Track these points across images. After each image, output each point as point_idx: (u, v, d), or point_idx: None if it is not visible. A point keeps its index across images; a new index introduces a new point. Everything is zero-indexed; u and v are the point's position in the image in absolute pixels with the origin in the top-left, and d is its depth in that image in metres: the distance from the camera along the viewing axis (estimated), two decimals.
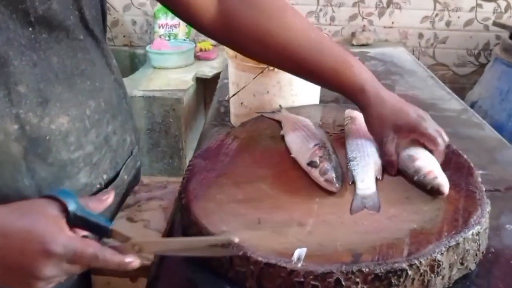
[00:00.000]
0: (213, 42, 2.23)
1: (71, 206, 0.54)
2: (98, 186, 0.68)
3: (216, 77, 1.77)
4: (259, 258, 0.56)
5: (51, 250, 0.49)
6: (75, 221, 0.54)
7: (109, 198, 0.59)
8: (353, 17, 2.27)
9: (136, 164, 0.80)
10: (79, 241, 0.52)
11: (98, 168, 0.68)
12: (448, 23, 2.26)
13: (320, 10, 2.26)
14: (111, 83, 0.69)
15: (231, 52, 1.06)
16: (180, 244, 0.56)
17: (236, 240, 0.52)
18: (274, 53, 0.73)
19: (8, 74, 0.54)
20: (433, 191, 0.67)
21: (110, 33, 2.33)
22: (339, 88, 0.75)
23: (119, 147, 0.72)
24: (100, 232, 0.56)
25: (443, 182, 0.67)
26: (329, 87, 0.78)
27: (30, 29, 0.56)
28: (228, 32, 0.73)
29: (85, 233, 0.56)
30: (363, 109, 0.76)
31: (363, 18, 2.27)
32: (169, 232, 0.72)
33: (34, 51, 0.57)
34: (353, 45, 2.12)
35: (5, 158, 0.56)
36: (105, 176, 0.69)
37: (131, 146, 0.77)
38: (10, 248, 0.50)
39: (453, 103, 1.33)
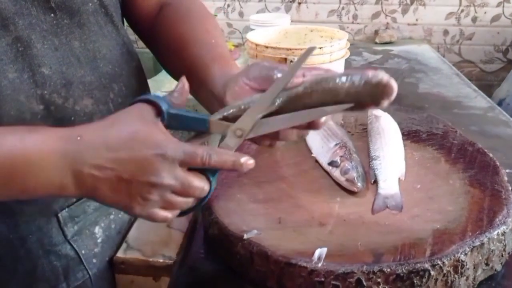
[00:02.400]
0: (235, 42, 2.24)
1: (164, 106, 0.51)
2: None
3: None
4: (280, 258, 0.56)
5: (164, 153, 0.47)
6: (169, 121, 0.51)
7: (184, 85, 0.54)
8: (376, 15, 2.25)
9: None
10: (187, 144, 0.50)
11: None
12: (474, 19, 2.21)
13: (343, 8, 2.24)
14: (132, 69, 0.70)
15: (252, 52, 1.06)
16: (282, 121, 0.52)
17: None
18: (173, 50, 0.71)
19: (32, 56, 0.56)
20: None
21: (134, 35, 2.37)
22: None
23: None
24: (197, 126, 0.52)
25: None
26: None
27: (52, 15, 0.58)
28: (153, 30, 0.75)
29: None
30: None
31: (386, 15, 2.24)
32: (190, 232, 0.73)
33: (55, 36, 0.59)
34: (376, 43, 2.10)
35: None
36: None
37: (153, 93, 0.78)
38: (120, 159, 0.47)
39: (479, 100, 1.30)
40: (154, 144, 0.48)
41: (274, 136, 0.56)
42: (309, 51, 0.54)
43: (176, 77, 0.74)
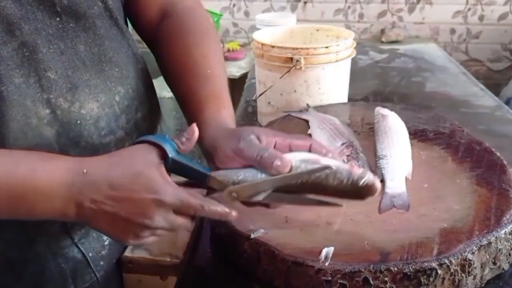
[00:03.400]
0: (240, 42, 2.25)
1: (170, 152, 0.54)
2: None
3: (244, 77, 1.78)
4: (287, 257, 0.56)
5: (161, 199, 0.51)
6: (172, 166, 0.55)
7: (194, 133, 0.57)
8: (382, 14, 2.24)
9: None
10: (185, 192, 0.53)
11: None
12: (481, 18, 2.20)
13: (349, 7, 2.24)
14: (138, 71, 0.70)
15: (257, 51, 1.06)
16: (273, 182, 0.55)
17: (333, 165, 0.54)
18: (174, 70, 0.72)
19: (38, 61, 0.57)
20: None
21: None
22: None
23: (150, 134, 0.73)
24: (197, 177, 0.56)
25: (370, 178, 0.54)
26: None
27: (58, 19, 0.59)
28: (154, 41, 0.75)
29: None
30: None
31: (392, 14, 2.24)
32: (197, 231, 0.73)
33: (61, 40, 0.59)
34: (382, 42, 2.09)
35: (39, 141, 0.58)
36: None
37: (162, 134, 0.78)
38: (120, 198, 0.51)
39: (486, 99, 1.30)
40: (153, 189, 0.51)
41: None
42: (322, 168, 0.55)
43: (175, 95, 0.74)
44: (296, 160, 0.55)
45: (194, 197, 0.53)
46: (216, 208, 0.54)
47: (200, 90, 0.68)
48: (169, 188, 0.52)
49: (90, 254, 0.66)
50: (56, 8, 0.58)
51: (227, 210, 0.54)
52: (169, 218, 0.53)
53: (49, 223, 0.62)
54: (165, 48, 0.73)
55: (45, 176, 0.52)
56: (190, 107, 0.68)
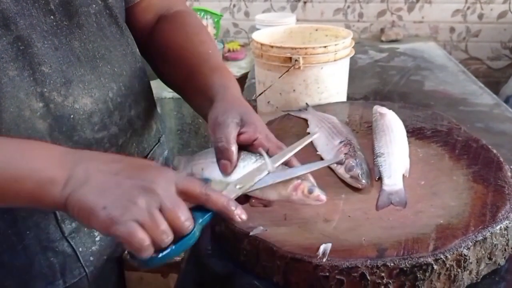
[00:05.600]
0: (241, 42, 2.25)
1: None
2: None
3: (244, 77, 1.79)
4: (285, 253, 0.57)
5: (165, 170, 0.51)
6: None
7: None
8: (381, 13, 2.25)
9: (163, 152, 0.82)
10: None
11: (125, 151, 0.69)
12: (480, 16, 2.20)
13: (348, 7, 2.25)
14: (134, 70, 0.71)
15: (257, 51, 1.07)
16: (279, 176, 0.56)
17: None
18: (173, 62, 0.75)
19: (32, 55, 0.58)
20: None
21: None
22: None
23: (145, 132, 0.74)
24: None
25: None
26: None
27: (52, 17, 0.60)
28: (150, 41, 0.77)
29: None
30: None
31: (392, 13, 2.24)
32: None
33: (55, 36, 0.60)
34: (382, 41, 2.09)
35: (31, 134, 0.58)
36: None
37: (157, 133, 0.79)
38: (121, 162, 0.52)
39: (485, 97, 1.30)
40: (157, 164, 0.54)
41: None
42: (310, 136, 0.62)
43: (172, 86, 0.77)
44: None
45: (200, 181, 0.52)
46: (223, 196, 0.51)
47: (204, 64, 0.71)
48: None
49: (80, 249, 0.65)
50: (50, 5, 0.59)
51: (235, 204, 0.51)
52: (172, 192, 0.48)
53: (40, 216, 0.62)
54: (162, 41, 0.76)
55: (40, 144, 0.54)
56: (195, 81, 0.69)
